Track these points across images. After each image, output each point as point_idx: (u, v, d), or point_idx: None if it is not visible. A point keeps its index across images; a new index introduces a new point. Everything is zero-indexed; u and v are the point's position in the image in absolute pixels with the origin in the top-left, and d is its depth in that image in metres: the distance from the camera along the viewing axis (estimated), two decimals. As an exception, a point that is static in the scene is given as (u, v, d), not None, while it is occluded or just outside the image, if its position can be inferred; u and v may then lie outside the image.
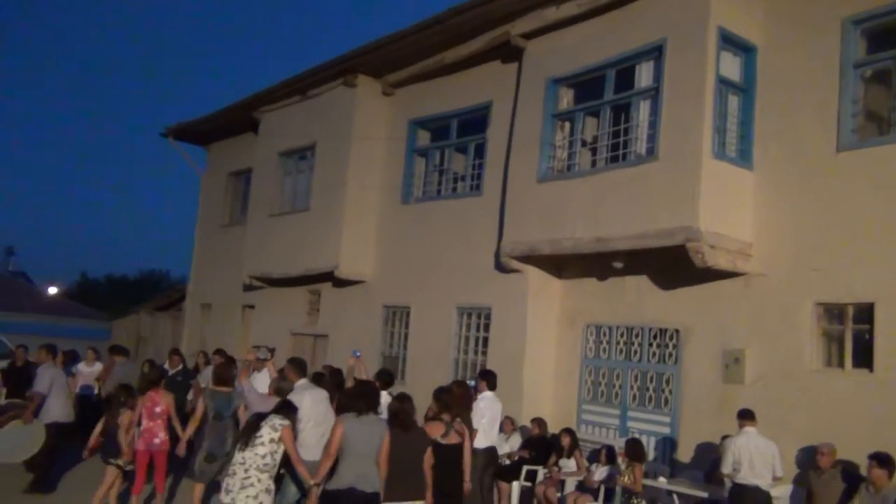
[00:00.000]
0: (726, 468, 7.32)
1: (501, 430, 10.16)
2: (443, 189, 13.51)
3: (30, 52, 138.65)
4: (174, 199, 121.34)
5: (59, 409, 9.10)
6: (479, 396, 8.48)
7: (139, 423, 7.83)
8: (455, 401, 7.21)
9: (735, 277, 9.31)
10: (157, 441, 7.84)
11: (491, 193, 12.07)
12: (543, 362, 11.32)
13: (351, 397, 6.12)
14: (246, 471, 5.69)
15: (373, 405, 6.00)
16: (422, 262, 13.04)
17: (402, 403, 6.18)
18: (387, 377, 8.24)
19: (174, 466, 8.55)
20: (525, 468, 9.57)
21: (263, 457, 5.75)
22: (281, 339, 15.68)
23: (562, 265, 11.39)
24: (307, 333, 15.41)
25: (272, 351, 8.12)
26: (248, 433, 5.79)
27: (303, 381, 7.31)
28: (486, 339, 11.87)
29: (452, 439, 6.72)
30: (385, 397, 7.68)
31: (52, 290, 41.66)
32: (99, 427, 7.99)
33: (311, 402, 7.02)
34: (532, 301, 11.27)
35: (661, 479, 8.50)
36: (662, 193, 9.20)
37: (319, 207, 14.56)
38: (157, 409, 7.91)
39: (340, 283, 14.48)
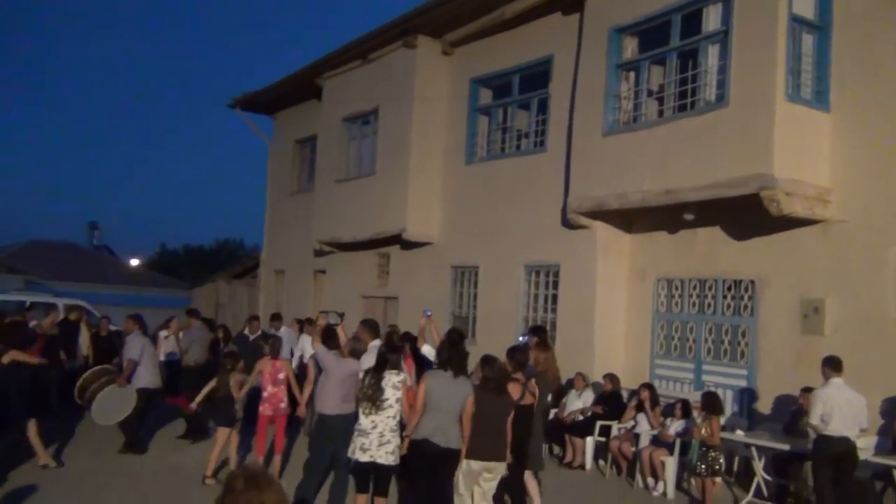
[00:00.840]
0: (814, 419, 7.02)
1: (572, 386, 10.18)
2: (506, 147, 13.41)
3: (100, 32, 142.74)
4: (246, 168, 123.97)
5: (148, 375, 9.55)
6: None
7: (262, 389, 8.37)
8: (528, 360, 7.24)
9: (813, 225, 9.00)
10: (282, 406, 8.35)
11: (556, 149, 11.92)
12: (614, 318, 11.23)
13: (446, 357, 6.27)
14: (381, 434, 5.90)
15: (462, 368, 6.14)
16: (488, 221, 13.03)
17: (493, 368, 6.21)
18: (457, 336, 8.27)
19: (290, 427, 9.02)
20: (598, 423, 9.58)
21: (393, 417, 5.96)
22: (352, 302, 15.99)
23: (630, 219, 11.21)
24: (377, 296, 15.65)
25: (342, 315, 8.27)
26: (372, 398, 5.92)
27: (376, 342, 7.43)
28: (555, 297, 11.84)
29: (527, 400, 6.78)
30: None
31: (135, 262, 43.43)
32: (206, 390, 8.50)
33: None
34: (601, 257, 11.16)
35: (739, 432, 8.39)
36: (734, 141, 8.91)
37: (384, 171, 14.66)
38: (280, 376, 8.43)
39: (408, 245, 14.62)
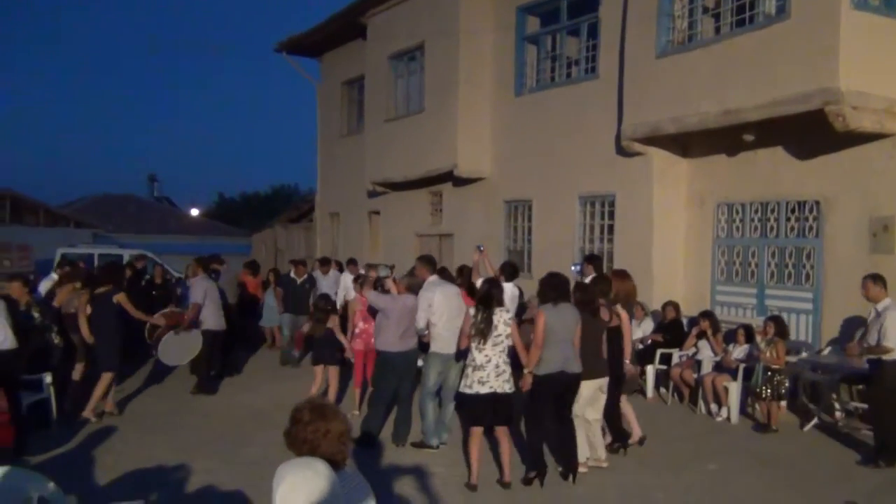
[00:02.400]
0: (890, 341, 6.74)
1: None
2: (556, 76, 13.07)
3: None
4: (297, 113, 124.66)
5: (212, 318, 9.77)
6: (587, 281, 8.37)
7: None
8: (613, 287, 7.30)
9: (882, 139, 8.59)
10: (373, 341, 8.41)
11: (607, 75, 11.57)
12: (673, 246, 11.04)
13: (544, 290, 6.38)
14: (497, 366, 6.04)
15: (564, 294, 6.32)
16: (540, 153, 12.83)
17: (586, 292, 6.56)
18: (510, 269, 8.28)
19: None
20: (659, 352, 9.53)
21: (504, 351, 6.10)
22: (407, 241, 16.10)
23: (687, 144, 10.89)
24: (432, 234, 15.70)
25: (392, 268, 8.34)
26: (485, 333, 6.01)
27: (434, 278, 7.45)
28: (611, 227, 11.67)
29: (614, 322, 6.89)
30: (510, 289, 7.77)
31: (194, 212, 44.46)
32: (306, 329, 8.87)
33: (443, 297, 7.19)
34: (657, 184, 10.92)
35: (804, 355, 8.24)
36: (796, 55, 8.49)
37: (433, 108, 14.51)
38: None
39: (460, 182, 14.54)
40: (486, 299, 6.12)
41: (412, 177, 15.22)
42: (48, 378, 7.78)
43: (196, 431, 7.75)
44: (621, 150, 11.11)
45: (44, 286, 10.46)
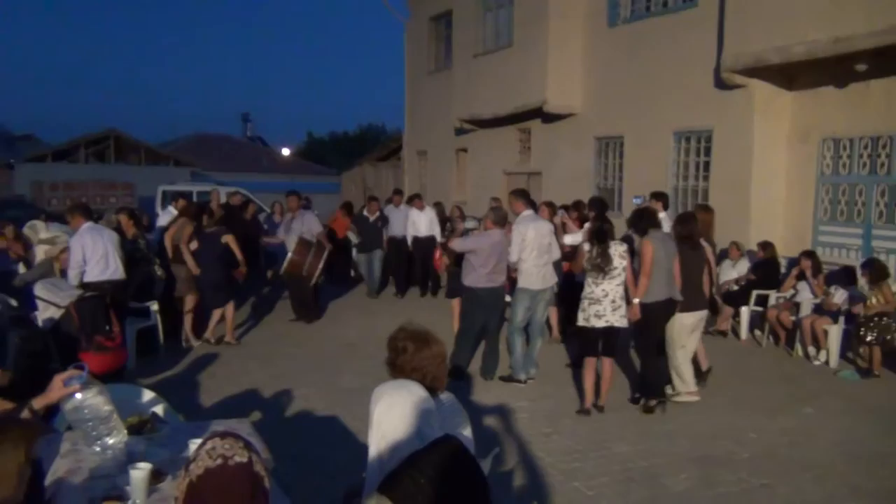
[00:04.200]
0: None
1: (726, 255, 9.78)
2: (652, 5, 12.50)
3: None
4: (385, 53, 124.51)
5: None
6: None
7: None
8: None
9: None
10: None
11: (707, 4, 10.99)
12: (773, 183, 10.58)
13: (638, 220, 6.48)
14: (613, 300, 6.13)
15: (655, 223, 6.44)
16: (633, 88, 12.41)
17: (687, 225, 6.56)
18: (599, 204, 8.08)
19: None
20: (755, 293, 9.23)
21: (620, 284, 6.17)
22: (494, 179, 16.01)
23: (792, 75, 10.30)
24: (520, 172, 15.54)
25: (480, 221, 8.31)
26: (601, 267, 6.05)
27: (528, 212, 7.38)
28: (706, 164, 11.27)
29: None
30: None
31: (285, 151, 45.39)
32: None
33: (536, 233, 7.15)
34: (759, 118, 10.42)
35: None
36: (920, -25, 7.84)
37: (522, 41, 14.18)
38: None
39: (550, 118, 14.27)
40: (601, 234, 6.13)
41: (500, 113, 15.02)
42: (155, 306, 8.22)
43: (292, 360, 8.06)
44: (720, 83, 10.62)
45: (164, 219, 10.89)
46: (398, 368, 2.84)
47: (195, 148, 37.35)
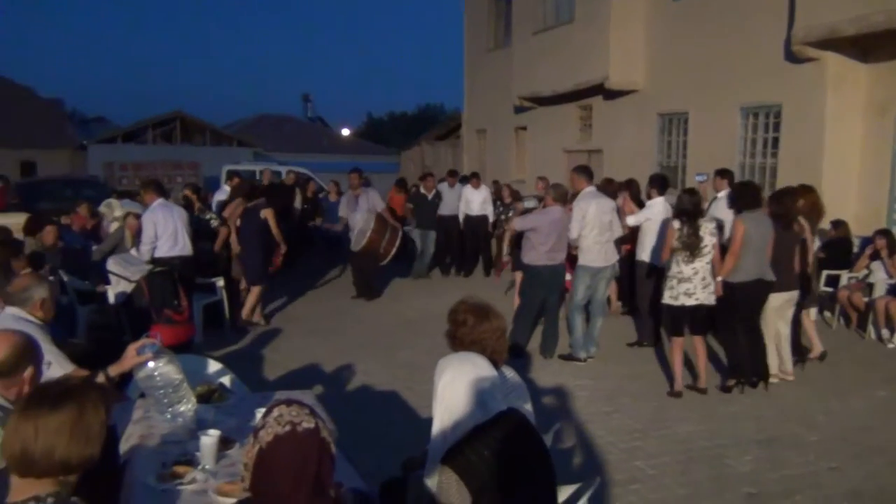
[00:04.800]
0: None
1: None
2: (720, -23, 12.12)
3: None
4: (443, 32, 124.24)
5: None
6: (718, 196, 7.87)
7: None
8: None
9: None
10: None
11: (778, -27, 10.60)
12: (846, 160, 10.17)
13: (738, 197, 6.36)
14: (703, 278, 6.08)
15: (757, 202, 6.30)
16: (698, 62, 12.08)
17: (781, 203, 6.40)
18: (661, 182, 7.90)
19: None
20: (825, 273, 8.92)
21: (709, 262, 6.11)
22: (554, 157, 15.85)
23: (869, 47, 9.84)
24: (581, 150, 15.33)
25: (541, 199, 8.23)
26: (692, 246, 6.00)
27: (590, 189, 7.27)
28: (775, 140, 10.91)
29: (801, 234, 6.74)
30: (661, 202, 7.48)
31: (345, 132, 45.79)
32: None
33: (598, 210, 7.05)
34: (832, 92, 10.01)
35: None
36: None
37: (584, 16, 13.93)
38: None
39: (611, 94, 14.02)
40: (692, 211, 6.02)
41: (561, 90, 14.82)
42: (220, 282, 8.42)
43: (352, 336, 8.18)
44: (791, 56, 10.24)
45: (220, 196, 11.13)
46: (458, 341, 2.85)
47: (257, 128, 37.99)
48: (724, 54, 11.51)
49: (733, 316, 6.29)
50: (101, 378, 2.90)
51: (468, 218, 12.13)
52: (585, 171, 7.40)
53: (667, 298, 6.18)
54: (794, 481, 4.52)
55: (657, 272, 7.53)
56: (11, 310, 3.67)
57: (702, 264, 6.02)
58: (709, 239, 6.02)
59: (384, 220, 9.85)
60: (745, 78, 11.15)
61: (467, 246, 12.47)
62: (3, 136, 28.94)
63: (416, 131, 36.78)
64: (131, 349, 2.94)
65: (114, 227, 9.11)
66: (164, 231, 7.49)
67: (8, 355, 2.61)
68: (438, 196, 12.30)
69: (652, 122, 13.33)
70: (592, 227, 6.98)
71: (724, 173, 8.10)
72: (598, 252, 7.03)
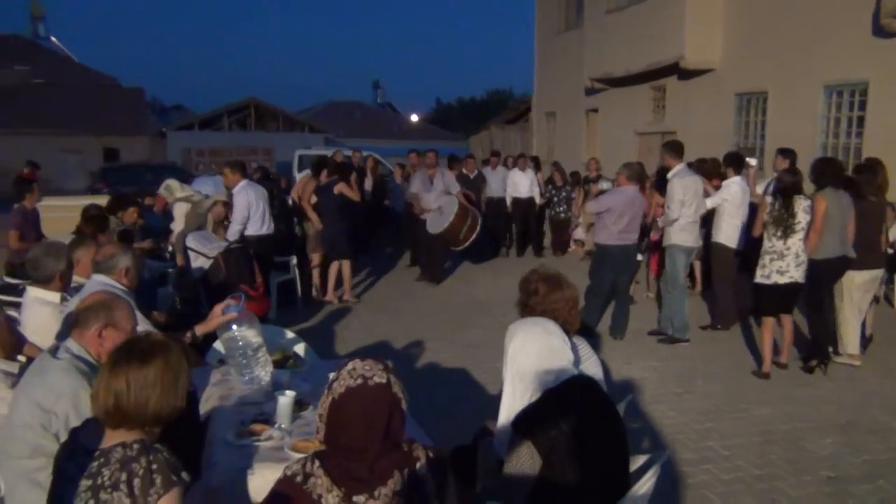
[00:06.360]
0: None
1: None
2: (803, -50, 11.65)
3: None
4: (512, 16, 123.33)
5: None
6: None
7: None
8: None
9: None
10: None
11: (866, -57, 10.12)
12: (937, 139, 9.69)
13: (820, 175, 6.14)
14: (797, 255, 5.95)
15: (840, 179, 6.17)
16: (778, 39, 11.66)
17: (866, 176, 6.33)
18: (737, 161, 7.65)
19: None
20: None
21: (802, 239, 5.98)
22: (626, 139, 15.58)
23: (965, 19, 9.34)
24: (653, 132, 15.02)
25: (614, 182, 8.10)
26: (785, 223, 5.91)
27: (681, 166, 7.08)
28: (860, 120, 10.46)
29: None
30: (738, 183, 7.28)
31: (414, 118, 46.07)
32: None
33: (695, 187, 6.93)
34: (923, 67, 9.54)
35: None
36: None
37: (658, -5, 13.61)
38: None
39: (686, 74, 13.68)
40: (788, 189, 5.87)
41: (634, 70, 14.54)
42: (294, 260, 8.61)
43: (420, 316, 8.25)
44: (879, 30, 9.79)
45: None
46: (530, 310, 2.85)
47: (328, 115, 38.59)
48: (807, 29, 11.09)
49: (820, 294, 6.15)
50: (188, 337, 3.03)
51: (516, 201, 12.04)
52: (675, 148, 7.17)
53: (758, 277, 6.03)
54: (877, 466, 4.36)
55: (735, 254, 7.35)
56: (98, 277, 3.84)
57: (794, 241, 5.87)
58: (802, 216, 5.86)
59: (466, 206, 9.82)
60: (829, 54, 10.71)
61: (515, 229, 12.42)
62: (89, 124, 30.23)
63: (484, 116, 36.68)
64: (217, 309, 3.07)
65: (177, 208, 9.37)
66: (256, 211, 7.66)
67: (88, 304, 2.74)
68: (481, 177, 12.22)
69: (728, 102, 12.95)
70: (689, 204, 6.84)
71: (785, 153, 7.79)
72: (692, 230, 6.92)
